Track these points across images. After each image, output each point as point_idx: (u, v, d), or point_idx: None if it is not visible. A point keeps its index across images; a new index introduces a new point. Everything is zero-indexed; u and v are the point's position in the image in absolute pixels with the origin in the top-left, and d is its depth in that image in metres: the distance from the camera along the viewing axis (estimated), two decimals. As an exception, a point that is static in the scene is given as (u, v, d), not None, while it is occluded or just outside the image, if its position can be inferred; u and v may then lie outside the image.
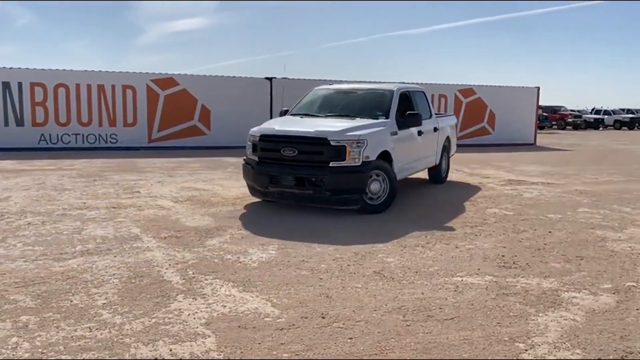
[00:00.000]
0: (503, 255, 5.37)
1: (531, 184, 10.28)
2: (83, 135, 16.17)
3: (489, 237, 6.12)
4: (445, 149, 10.18)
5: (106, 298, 4.03)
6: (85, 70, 16.18)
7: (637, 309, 4.00)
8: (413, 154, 8.45)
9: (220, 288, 4.30)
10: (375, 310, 3.90)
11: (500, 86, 21.13)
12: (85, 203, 7.68)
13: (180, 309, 3.84)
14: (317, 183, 6.75)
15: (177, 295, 4.13)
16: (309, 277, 4.59)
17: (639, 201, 8.54)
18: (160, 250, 5.35)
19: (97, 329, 3.47)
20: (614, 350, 3.30)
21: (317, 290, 4.30)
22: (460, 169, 12.50)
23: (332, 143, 6.74)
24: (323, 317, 3.76)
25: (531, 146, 20.67)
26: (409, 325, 3.64)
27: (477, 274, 4.76)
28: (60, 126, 15.90)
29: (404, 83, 10.10)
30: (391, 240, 5.87)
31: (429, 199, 8.60)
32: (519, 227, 6.60)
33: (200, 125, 17.35)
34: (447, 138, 10.29)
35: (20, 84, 15.43)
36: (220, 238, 5.86)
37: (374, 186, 7.08)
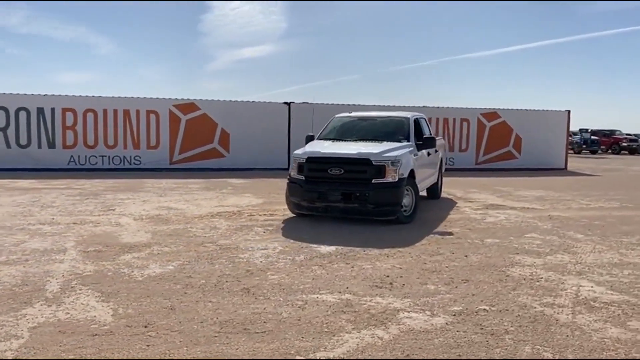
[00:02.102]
0: (387, 276, 5.44)
1: (508, 209, 10.08)
2: (109, 157, 17.26)
3: (398, 258, 6.16)
4: (440, 168, 11.47)
5: (-27, 302, 4.48)
6: (112, 97, 17.34)
7: (457, 331, 4.00)
8: (426, 172, 9.65)
9: (84, 298, 4.66)
10: (200, 322, 4.13)
11: (527, 110, 20.63)
12: (54, 219, 8.34)
13: (24, 314, 4.23)
14: (361, 198, 7.81)
15: (38, 302, 4.52)
16: (174, 291, 4.88)
17: (604, 228, 8.23)
18: (71, 262, 5.80)
19: None
20: (381, 368, 3.36)
21: (170, 303, 4.57)
22: (454, 192, 12.40)
23: (374, 163, 7.87)
24: (145, 327, 4.03)
25: (561, 171, 19.96)
26: (215, 337, 3.85)
27: (338, 292, 4.88)
28: (88, 149, 17.06)
29: (405, 111, 11.19)
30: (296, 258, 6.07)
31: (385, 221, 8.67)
32: (440, 250, 6.59)
33: (219, 148, 18.07)
34: (441, 159, 11.57)
35: (53, 110, 16.76)
36: (137, 254, 6.26)
37: (407, 200, 8.25)
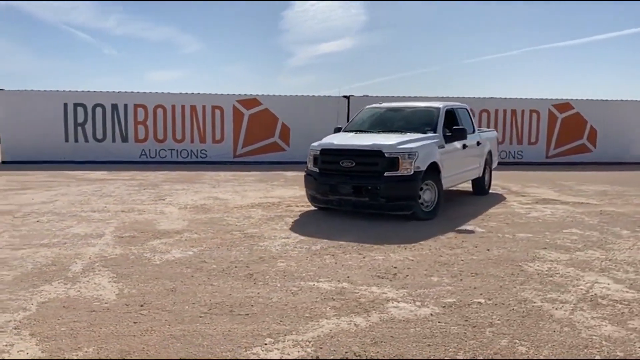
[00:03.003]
0: (395, 267, 5.41)
1: (559, 204, 9.61)
2: (177, 150, 18.12)
3: (415, 251, 6.11)
4: (488, 162, 10.63)
5: (3, 278, 4.97)
6: (180, 93, 18.18)
7: (439, 322, 3.95)
8: (458, 165, 9.04)
9: (98, 278, 5.02)
10: (193, 304, 4.34)
11: (603, 100, 19.39)
12: (105, 207, 8.95)
13: (41, 290, 4.64)
14: (373, 191, 7.53)
15: (57, 280, 4.94)
16: (182, 275, 5.14)
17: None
18: (102, 246, 6.24)
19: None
20: (346, 352, 3.40)
21: (173, 285, 4.83)
22: (510, 186, 11.98)
23: (387, 155, 7.55)
24: (141, 306, 4.30)
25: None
26: (200, 317, 4.05)
27: (337, 281, 4.94)
28: (158, 142, 18.00)
29: (447, 101, 10.80)
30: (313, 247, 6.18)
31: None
32: (463, 244, 6.45)
33: (280, 142, 18.45)
34: (489, 152, 10.75)
35: (126, 106, 17.83)
36: (166, 240, 6.62)
37: (427, 195, 7.88)
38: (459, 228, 7.37)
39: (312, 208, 8.81)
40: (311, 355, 3.39)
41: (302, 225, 7.53)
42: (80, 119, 17.73)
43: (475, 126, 10.26)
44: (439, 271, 5.30)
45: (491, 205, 9.36)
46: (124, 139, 17.87)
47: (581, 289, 4.76)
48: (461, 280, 5.01)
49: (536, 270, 5.32)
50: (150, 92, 18.02)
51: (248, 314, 4.09)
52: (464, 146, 9.16)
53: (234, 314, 4.11)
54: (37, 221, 7.67)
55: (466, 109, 10.23)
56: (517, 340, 3.63)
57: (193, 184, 12.13)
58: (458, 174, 9.13)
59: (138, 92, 17.97)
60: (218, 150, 18.25)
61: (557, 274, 5.22)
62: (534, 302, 4.39)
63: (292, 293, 4.59)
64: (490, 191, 10.99)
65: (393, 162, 7.54)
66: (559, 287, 4.81)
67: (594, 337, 3.69)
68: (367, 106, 10.09)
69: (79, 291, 4.63)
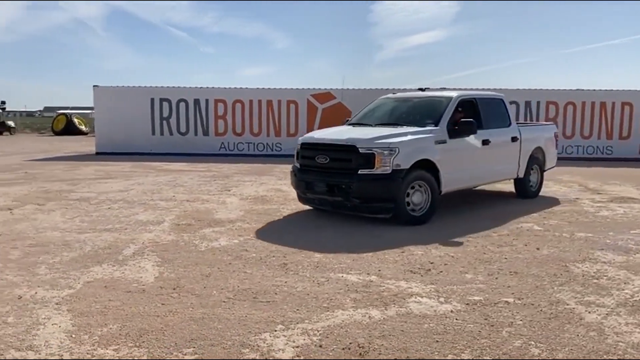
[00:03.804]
0: (432, 263, 5.33)
1: (637, 203, 8.95)
2: (254, 144, 18.72)
3: (459, 247, 5.98)
4: (536, 161, 9.47)
5: (62, 259, 5.44)
6: (257, 88, 18.74)
7: (456, 319, 3.87)
8: (472, 164, 7.95)
9: (144, 262, 5.37)
10: (221, 289, 4.54)
11: None
12: (174, 196, 9.46)
13: (90, 271, 5.04)
14: (346, 190, 6.85)
15: (107, 262, 5.33)
16: (220, 262, 5.37)
17: None
18: (158, 232, 6.64)
19: (32, 274, 4.86)
20: (350, 343, 3.44)
21: (209, 271, 5.06)
22: (587, 183, 11.31)
23: (361, 150, 6.82)
24: (173, 289, 4.56)
25: None
26: (223, 302, 4.23)
27: (366, 274, 4.95)
28: (236, 136, 18.70)
29: (480, 90, 9.65)
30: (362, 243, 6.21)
31: (485, 210, 8.30)
32: (514, 242, 6.22)
33: (354, 136, 18.48)
34: (540, 150, 9.57)
35: (207, 101, 18.64)
36: (218, 228, 6.92)
37: (416, 197, 7.02)
38: (515, 225, 7.08)
39: None
40: (315, 343, 3.45)
41: (354, 219, 7.55)
42: (166, 114, 18.74)
43: (512, 119, 8.98)
44: (476, 268, 5.15)
45: (558, 203, 8.89)
46: (205, 132, 18.68)
47: (626, 293, 4.45)
48: (496, 278, 4.84)
49: (582, 272, 5.03)
50: (229, 88, 18.71)
51: (269, 302, 4.22)
52: (486, 142, 8.04)
53: (256, 300, 4.25)
54: (109, 208, 8.26)
55: (500, 100, 9.00)
56: (532, 342, 3.48)
57: (261, 177, 12.49)
58: (473, 174, 8.02)
59: (218, 88, 18.71)
60: (292, 144, 18.59)
61: (604, 276, 4.91)
62: (567, 304, 4.17)
63: (318, 283, 4.66)
64: (564, 188, 10.36)
65: (368, 159, 6.77)
66: (601, 290, 4.53)
67: (620, 344, 3.46)
68: (381, 97, 9.27)
69: (122, 273, 4.97)
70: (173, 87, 18.81)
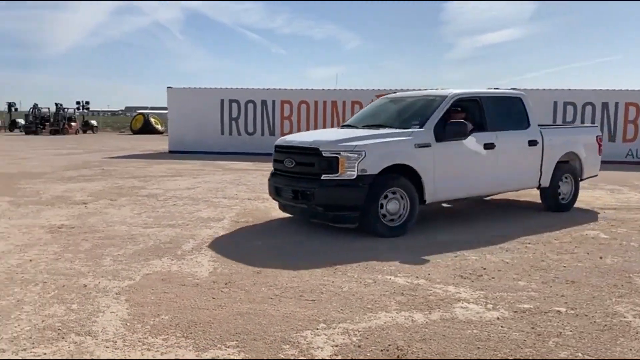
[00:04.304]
0: (484, 268, 5.24)
1: None
2: (319, 144, 18.90)
3: (516, 252, 5.83)
4: (568, 169, 8.35)
5: (126, 251, 5.77)
6: (322, 89, 18.94)
7: (502, 326, 3.80)
8: (471, 171, 7.13)
9: (201, 257, 5.60)
10: (269, 286, 4.66)
11: None
12: (236, 195, 9.78)
13: (150, 264, 5.32)
14: (308, 197, 6.36)
15: (167, 256, 5.61)
16: (272, 258, 5.50)
17: None
18: (217, 229, 6.89)
19: (97, 265, 5.22)
20: (389, 345, 3.46)
21: (260, 267, 5.21)
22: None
23: (324, 154, 6.25)
24: (225, 284, 4.74)
25: None
26: (270, 299, 4.35)
27: (415, 277, 4.93)
28: (301, 136, 18.95)
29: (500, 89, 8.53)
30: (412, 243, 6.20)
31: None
32: (575, 249, 5.99)
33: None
34: (574, 155, 8.42)
35: (273, 102, 19.06)
36: (275, 226, 7.10)
37: (392, 206, 6.37)
38: (579, 232, 6.80)
39: (443, 206, 8.58)
40: (354, 343, 3.49)
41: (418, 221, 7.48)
42: (234, 114, 19.32)
43: (531, 121, 7.89)
44: (530, 276, 5.01)
45: (632, 210, 8.41)
46: (271, 132, 19.10)
47: (692, 308, 4.18)
48: (551, 287, 4.69)
49: (646, 284, 4.77)
50: (295, 89, 19.02)
51: (314, 300, 4.30)
52: (489, 146, 7.20)
53: (302, 298, 4.34)
54: (174, 204, 8.65)
55: (518, 99, 7.95)
56: (580, 354, 3.36)
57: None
58: (471, 182, 7.17)
59: (285, 89, 19.08)
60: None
61: (670, 289, 4.63)
62: (624, 317, 3.98)
63: (364, 285, 4.69)
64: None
65: (331, 163, 6.19)
66: (665, 303, 4.28)
67: (676, 361, 3.27)
68: (382, 97, 8.62)
69: (180, 267, 5.21)
70: (242, 88, 19.35)
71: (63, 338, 3.53)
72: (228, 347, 3.44)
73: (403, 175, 6.46)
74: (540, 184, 8.02)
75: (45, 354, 3.30)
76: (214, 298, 4.35)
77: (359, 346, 3.46)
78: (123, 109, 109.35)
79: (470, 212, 8.29)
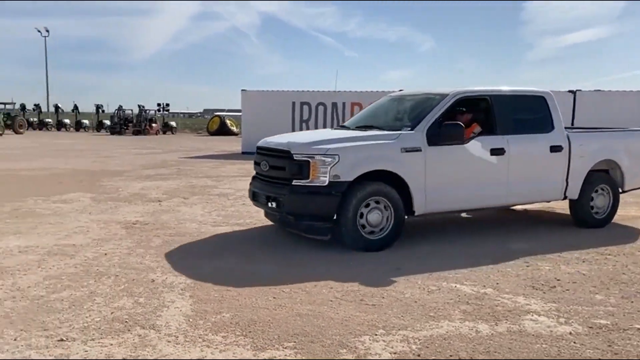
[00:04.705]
0: (558, 280, 4.96)
1: None
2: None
3: (594, 264, 5.49)
4: (604, 179, 7.27)
5: (195, 248, 5.93)
6: (392, 91, 18.71)
7: (574, 342, 3.57)
8: (473, 179, 6.31)
9: (265, 256, 5.66)
10: (330, 288, 4.64)
11: None
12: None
13: (215, 262, 5.42)
14: (279, 204, 5.84)
15: (232, 254, 5.71)
16: (339, 262, 5.47)
17: None
18: (280, 229, 6.95)
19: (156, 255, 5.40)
20: (450, 356, 3.34)
21: (322, 268, 5.20)
22: None
23: (295, 157, 5.72)
24: (287, 284, 4.76)
25: None
26: (330, 301, 4.32)
27: (482, 286, 4.73)
28: (371, 139, 18.88)
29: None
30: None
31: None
32: (660, 263, 5.56)
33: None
34: (612, 164, 7.30)
35: (344, 104, 19.08)
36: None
37: (375, 216, 5.77)
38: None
39: (515, 211, 8.32)
40: (414, 352, 3.39)
41: (479, 225, 7.24)
42: (305, 116, 19.50)
43: (555, 123, 6.88)
44: (609, 289, 4.68)
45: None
46: (341, 134, 19.08)
47: None
48: (632, 302, 4.36)
49: None
50: (364, 91, 18.99)
51: (375, 305, 4.22)
52: (497, 151, 6.36)
53: (362, 302, 4.27)
54: (243, 204, 8.82)
55: (540, 98, 6.89)
56: (662, 378, 3.08)
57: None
58: (474, 192, 6.34)
59: (354, 91, 19.07)
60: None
61: None
62: None
63: (428, 291, 4.56)
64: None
65: (302, 167, 5.64)
66: None
67: None
68: (386, 95, 7.65)
69: (244, 266, 5.29)
70: (313, 91, 19.50)
71: (129, 330, 3.65)
72: (285, 348, 3.43)
73: (388, 183, 5.80)
74: (565, 196, 6.99)
75: (111, 344, 3.43)
76: (274, 297, 4.37)
77: (419, 355, 3.35)
78: (201, 111, 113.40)
79: (543, 217, 7.90)
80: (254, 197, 6.43)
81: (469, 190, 6.30)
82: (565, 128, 7.18)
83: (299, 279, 4.86)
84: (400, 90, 7.68)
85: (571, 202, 7.22)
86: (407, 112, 6.78)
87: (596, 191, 7.21)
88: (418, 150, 5.93)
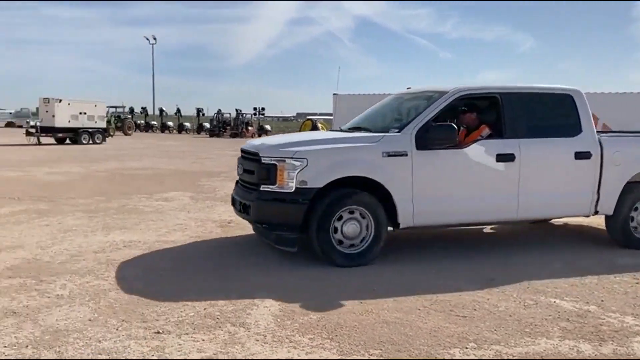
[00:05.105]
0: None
1: None
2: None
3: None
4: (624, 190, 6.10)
5: (278, 250, 6.04)
6: (408, 88, 18.07)
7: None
8: (473, 189, 5.62)
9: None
10: (417, 296, 4.54)
11: None
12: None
13: (303, 264, 5.48)
14: (248, 211, 5.46)
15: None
16: (423, 271, 5.36)
17: None
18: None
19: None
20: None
21: (412, 276, 5.10)
22: None
23: (263, 160, 5.30)
24: (374, 290, 4.71)
25: None
26: (419, 310, 4.22)
27: (584, 302, 4.42)
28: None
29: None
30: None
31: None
32: None
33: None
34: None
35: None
36: (433, 233, 6.92)
37: (351, 228, 5.25)
38: None
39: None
40: None
41: (580, 238, 6.79)
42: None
43: (584, 126, 5.93)
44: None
45: None
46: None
47: None
48: None
49: None
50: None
51: (466, 317, 4.06)
52: (505, 157, 5.61)
53: (452, 313, 4.13)
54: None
55: (566, 96, 6.01)
56: None
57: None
58: (474, 205, 5.62)
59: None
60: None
61: None
62: None
63: (524, 306, 4.32)
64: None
65: (269, 171, 5.17)
66: None
67: None
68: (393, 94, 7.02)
69: (333, 269, 5.26)
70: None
71: (219, 327, 3.76)
72: (371, 355, 3.38)
73: (368, 191, 5.26)
74: (597, 211, 6.05)
75: (203, 340, 3.55)
76: (361, 302, 4.33)
77: (512, 372, 3.17)
78: (294, 115, 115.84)
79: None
80: (232, 202, 6.06)
81: (468, 201, 5.60)
82: (603, 132, 6.41)
83: (386, 285, 4.78)
84: (408, 88, 6.88)
85: (607, 218, 6.29)
86: (402, 112, 6.27)
87: (637, 207, 6.20)
88: (403, 154, 5.31)
